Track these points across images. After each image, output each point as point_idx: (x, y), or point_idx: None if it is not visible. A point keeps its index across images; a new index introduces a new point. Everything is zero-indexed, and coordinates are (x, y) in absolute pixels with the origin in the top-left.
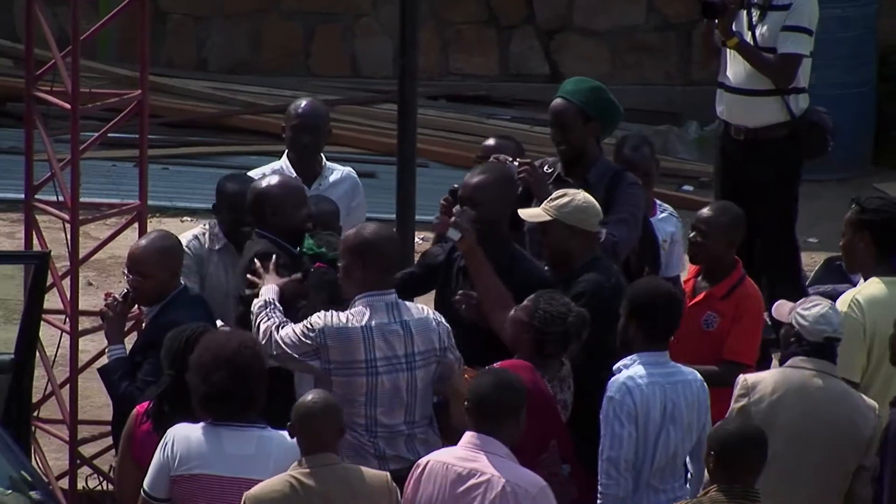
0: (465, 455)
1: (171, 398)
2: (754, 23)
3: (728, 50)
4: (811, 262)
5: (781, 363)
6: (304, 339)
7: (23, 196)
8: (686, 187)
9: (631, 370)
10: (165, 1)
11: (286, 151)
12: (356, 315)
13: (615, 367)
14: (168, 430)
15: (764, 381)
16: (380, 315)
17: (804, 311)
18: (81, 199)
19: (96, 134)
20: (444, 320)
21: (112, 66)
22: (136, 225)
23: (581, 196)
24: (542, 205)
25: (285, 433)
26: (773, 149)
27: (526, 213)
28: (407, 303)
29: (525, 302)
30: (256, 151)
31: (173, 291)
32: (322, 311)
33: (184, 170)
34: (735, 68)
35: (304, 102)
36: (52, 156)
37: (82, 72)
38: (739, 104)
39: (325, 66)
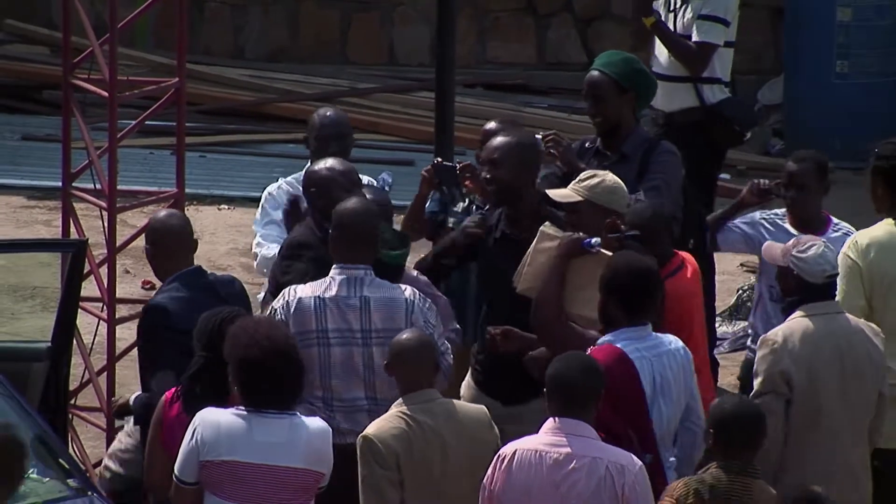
0: (554, 441)
1: (204, 379)
2: (677, 8)
3: (654, 37)
4: None
5: (786, 310)
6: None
7: (60, 184)
8: (723, 175)
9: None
10: None
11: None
12: (315, 286)
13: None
14: (196, 415)
15: (791, 334)
16: (340, 288)
17: (802, 254)
18: (119, 187)
19: (134, 122)
20: (426, 303)
21: (149, 53)
22: None
23: (610, 177)
24: (572, 185)
25: (317, 419)
26: (686, 134)
27: (556, 194)
28: (384, 281)
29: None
30: (294, 139)
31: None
32: (290, 286)
33: (221, 157)
34: (658, 54)
35: (328, 112)
36: (90, 143)
37: (120, 60)
38: (660, 89)
39: (363, 53)
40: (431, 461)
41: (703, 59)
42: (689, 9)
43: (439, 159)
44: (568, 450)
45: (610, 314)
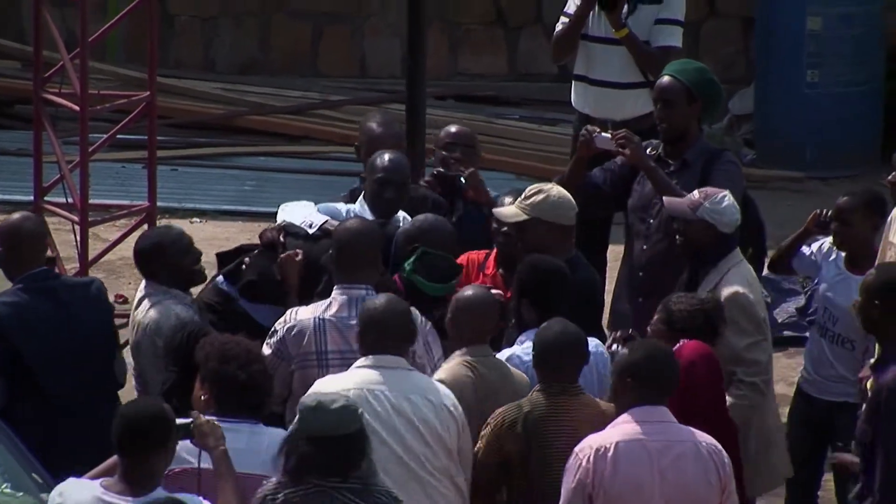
0: (648, 430)
1: (178, 395)
2: (625, 15)
3: (590, 44)
4: None
5: (696, 268)
6: (269, 339)
7: (32, 198)
8: None
9: (523, 346)
10: (173, 2)
11: (363, 193)
12: (316, 307)
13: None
14: None
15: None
16: (341, 308)
17: (718, 205)
18: (91, 201)
19: (105, 136)
20: (427, 325)
21: (120, 67)
22: (145, 226)
23: (556, 190)
24: (517, 202)
25: (278, 430)
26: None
27: (501, 213)
28: None
29: (655, 316)
30: (265, 152)
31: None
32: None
33: (193, 171)
34: (603, 61)
35: (388, 157)
36: (61, 158)
37: (91, 73)
38: (607, 98)
39: (334, 66)
40: (486, 413)
41: (666, 63)
42: (638, 15)
43: (440, 169)
44: (666, 436)
45: (521, 315)
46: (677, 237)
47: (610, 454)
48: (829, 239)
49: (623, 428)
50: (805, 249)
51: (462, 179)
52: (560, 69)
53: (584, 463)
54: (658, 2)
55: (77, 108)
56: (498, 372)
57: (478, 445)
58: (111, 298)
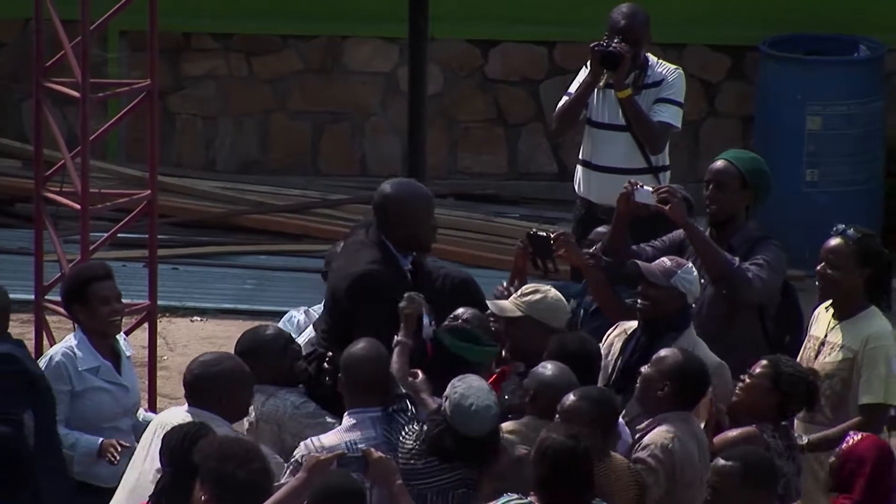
0: None
1: (170, 495)
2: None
3: (595, 129)
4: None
5: (657, 338)
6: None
7: (33, 297)
8: None
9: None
10: (174, 101)
11: None
12: (338, 434)
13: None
14: None
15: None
16: (366, 430)
17: (689, 276)
18: None
19: (106, 234)
20: None
21: (121, 166)
22: (145, 325)
23: (553, 293)
24: (512, 298)
25: None
26: (643, 226)
27: (496, 307)
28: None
29: (758, 369)
30: (265, 251)
31: None
32: (302, 442)
33: (193, 269)
34: (608, 147)
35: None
36: (62, 256)
37: (91, 172)
38: (610, 183)
39: (334, 164)
40: None
41: (665, 139)
42: (641, 99)
43: (534, 229)
44: None
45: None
46: (642, 301)
47: None
48: None
49: None
50: None
51: (552, 241)
52: (560, 167)
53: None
54: (658, 84)
55: (78, 206)
56: None
57: None
58: None
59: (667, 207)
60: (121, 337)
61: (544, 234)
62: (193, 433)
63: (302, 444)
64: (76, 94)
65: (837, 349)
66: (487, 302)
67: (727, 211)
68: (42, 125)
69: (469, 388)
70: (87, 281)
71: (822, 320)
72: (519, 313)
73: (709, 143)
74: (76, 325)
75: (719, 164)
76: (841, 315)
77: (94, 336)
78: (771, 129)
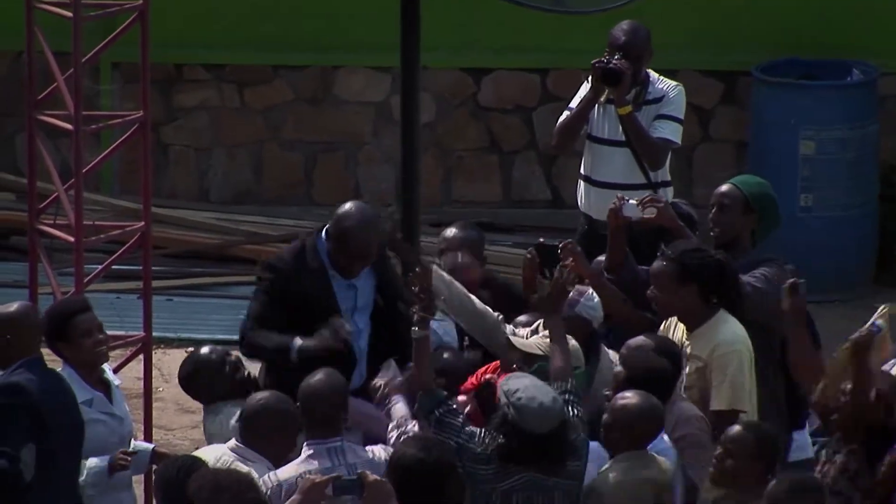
0: None
1: None
2: (629, 102)
3: (595, 145)
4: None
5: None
6: None
7: None
8: None
9: None
10: (167, 132)
11: None
12: (294, 466)
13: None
14: None
15: None
16: (322, 460)
17: (592, 302)
18: None
19: (100, 266)
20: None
21: (115, 198)
22: (141, 357)
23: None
24: (536, 338)
25: None
26: (645, 242)
27: (521, 343)
28: (354, 446)
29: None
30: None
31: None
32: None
33: (188, 300)
34: (608, 163)
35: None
36: (57, 289)
37: (85, 204)
38: (611, 199)
39: (328, 194)
40: None
41: (665, 155)
42: (641, 115)
43: (542, 239)
44: None
45: None
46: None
47: None
48: None
49: None
50: None
51: (559, 250)
52: (554, 195)
53: None
54: (658, 101)
55: (72, 239)
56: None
57: None
58: None
59: (653, 216)
60: (106, 366)
61: (552, 244)
62: (188, 466)
63: (259, 481)
64: (69, 126)
65: (690, 360)
66: (510, 338)
67: (729, 233)
68: (35, 158)
69: (531, 387)
70: (68, 317)
71: (679, 333)
72: (539, 352)
73: (702, 169)
74: (63, 362)
75: (724, 187)
76: (688, 328)
77: (82, 369)
78: (765, 154)
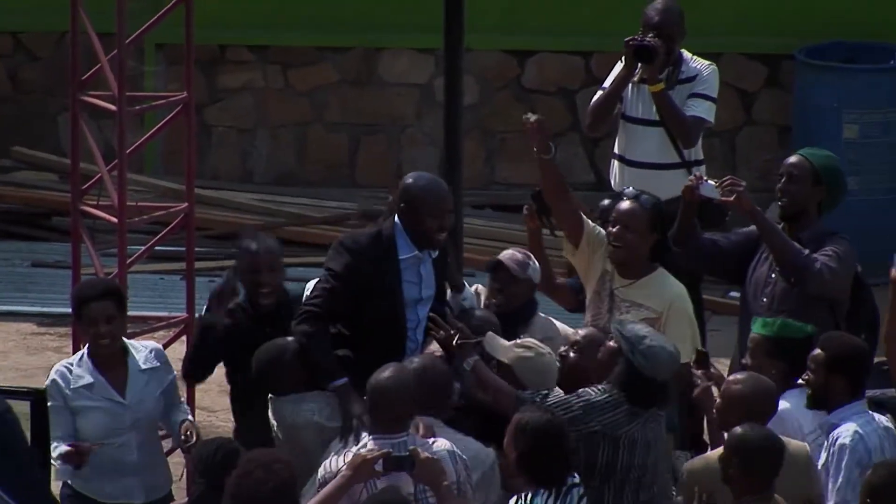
0: None
1: None
2: (662, 82)
3: (629, 124)
4: None
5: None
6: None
7: (70, 310)
8: (733, 293)
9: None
10: (210, 113)
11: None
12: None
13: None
14: None
15: None
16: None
17: (536, 264)
18: (129, 313)
19: (143, 247)
20: (462, 455)
21: (158, 179)
22: (184, 337)
23: (547, 358)
24: (514, 342)
25: None
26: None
27: (494, 346)
28: (419, 440)
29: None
30: (303, 263)
31: None
32: (325, 461)
33: None
34: (642, 142)
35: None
36: (100, 270)
37: (129, 185)
38: (643, 178)
39: (371, 176)
40: None
41: (697, 133)
42: (674, 94)
43: (538, 188)
44: None
45: (834, 392)
46: (500, 294)
47: None
48: None
49: None
50: None
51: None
52: (597, 177)
53: None
54: (692, 80)
55: (115, 220)
56: None
57: None
58: None
59: (732, 198)
60: (145, 347)
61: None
62: (225, 446)
63: (321, 467)
64: (113, 107)
65: (632, 308)
66: (487, 338)
67: (799, 204)
68: (79, 139)
69: (655, 335)
70: (82, 302)
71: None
72: (506, 360)
73: (745, 153)
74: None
75: (793, 158)
76: (633, 275)
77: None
78: (808, 138)
